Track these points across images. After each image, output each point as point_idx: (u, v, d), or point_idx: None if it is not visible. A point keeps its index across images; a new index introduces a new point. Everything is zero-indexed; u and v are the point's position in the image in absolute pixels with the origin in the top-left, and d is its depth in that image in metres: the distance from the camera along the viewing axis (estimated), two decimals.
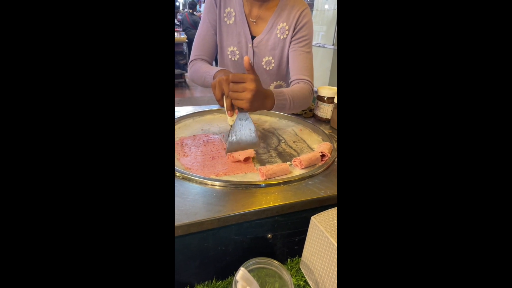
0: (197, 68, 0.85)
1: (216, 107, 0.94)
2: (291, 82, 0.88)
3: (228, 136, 0.64)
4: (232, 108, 0.66)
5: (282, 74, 0.94)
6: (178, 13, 4.65)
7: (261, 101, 0.64)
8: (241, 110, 0.62)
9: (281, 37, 0.88)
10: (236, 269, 0.49)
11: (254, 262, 0.38)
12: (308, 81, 0.86)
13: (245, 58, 0.59)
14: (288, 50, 0.89)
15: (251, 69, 0.59)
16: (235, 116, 0.67)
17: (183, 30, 4.90)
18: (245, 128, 0.65)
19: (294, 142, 0.76)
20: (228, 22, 0.89)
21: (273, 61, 0.91)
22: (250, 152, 0.64)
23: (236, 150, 0.66)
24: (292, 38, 0.88)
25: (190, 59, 0.91)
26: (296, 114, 0.93)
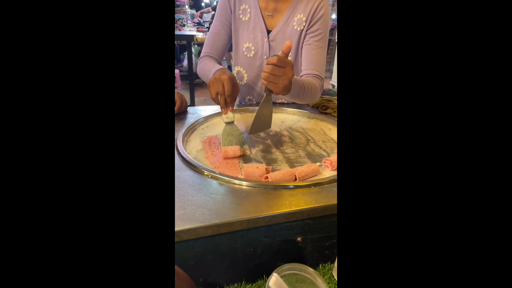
0: (203, 65, 0.87)
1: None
2: (302, 75, 0.86)
3: (255, 115, 0.68)
4: (226, 106, 0.70)
5: (297, 67, 0.92)
6: (204, 13, 4.74)
7: (288, 87, 0.65)
8: (269, 91, 0.64)
9: (298, 29, 0.85)
10: (265, 271, 0.48)
11: (287, 268, 0.37)
12: (320, 77, 0.85)
13: (288, 43, 0.59)
14: (303, 43, 0.87)
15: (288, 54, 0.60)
16: (229, 114, 0.71)
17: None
18: (267, 110, 0.69)
19: (323, 142, 0.74)
20: (243, 19, 0.88)
21: (290, 54, 0.89)
22: (236, 152, 0.63)
23: (256, 130, 0.71)
24: (307, 30, 0.85)
25: (200, 56, 0.93)
26: (325, 113, 0.90)
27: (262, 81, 0.61)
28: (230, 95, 0.68)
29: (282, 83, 0.60)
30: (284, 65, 0.59)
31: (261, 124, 0.70)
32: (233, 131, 0.70)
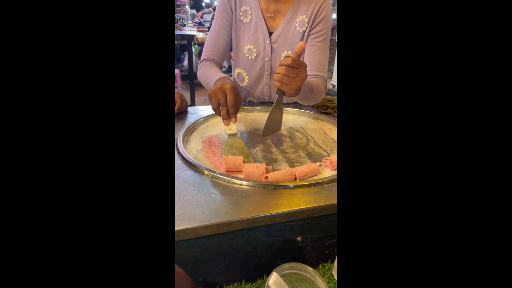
0: (203, 71, 0.85)
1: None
2: None
3: (267, 118, 0.66)
4: (228, 117, 0.66)
5: None
6: (205, 14, 4.74)
7: (300, 89, 0.64)
8: (282, 93, 0.63)
9: (300, 30, 0.85)
10: (265, 271, 0.48)
11: (287, 267, 0.37)
12: (324, 78, 0.85)
13: (301, 44, 0.58)
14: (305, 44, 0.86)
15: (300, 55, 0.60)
16: (232, 125, 0.67)
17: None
18: (279, 113, 0.67)
19: (323, 141, 0.74)
20: (244, 21, 0.87)
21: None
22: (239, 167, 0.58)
23: (268, 133, 0.69)
24: (310, 31, 0.85)
25: (201, 59, 0.91)
26: (325, 113, 0.90)
27: (275, 82, 0.60)
28: (233, 106, 0.64)
29: (295, 85, 0.59)
30: (298, 66, 0.58)
31: (273, 127, 0.69)
32: (236, 143, 0.66)
